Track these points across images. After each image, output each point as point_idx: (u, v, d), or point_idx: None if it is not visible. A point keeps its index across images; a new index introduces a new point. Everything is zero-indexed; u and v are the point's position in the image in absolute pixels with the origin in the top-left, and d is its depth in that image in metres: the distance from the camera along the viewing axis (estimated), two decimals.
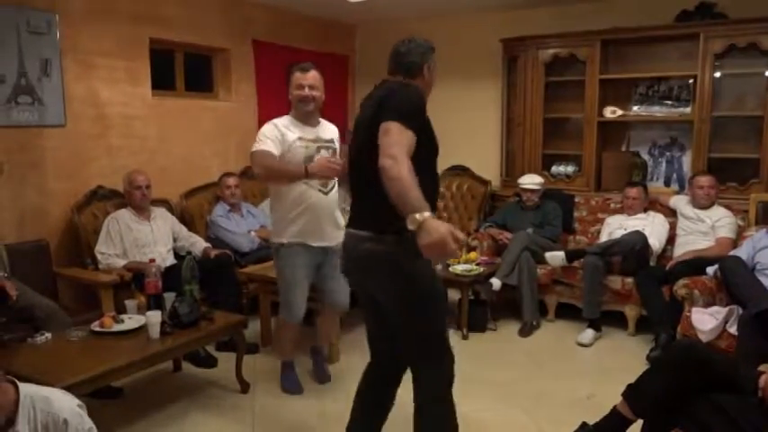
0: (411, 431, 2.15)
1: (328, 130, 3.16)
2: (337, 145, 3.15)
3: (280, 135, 2.94)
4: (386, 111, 1.90)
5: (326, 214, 3.04)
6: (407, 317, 2.07)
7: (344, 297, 3.23)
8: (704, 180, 4.10)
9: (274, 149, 2.89)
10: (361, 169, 2.10)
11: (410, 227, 1.68)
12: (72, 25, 3.82)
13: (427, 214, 1.65)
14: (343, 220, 3.08)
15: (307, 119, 3.04)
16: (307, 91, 2.98)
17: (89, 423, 1.89)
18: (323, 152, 3.00)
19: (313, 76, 3.01)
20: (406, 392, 2.22)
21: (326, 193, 3.02)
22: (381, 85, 2.19)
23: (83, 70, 3.92)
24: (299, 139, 2.97)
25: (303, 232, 3.01)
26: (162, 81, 4.54)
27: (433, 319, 2.11)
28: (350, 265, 2.17)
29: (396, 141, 1.81)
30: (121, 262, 3.70)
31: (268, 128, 2.98)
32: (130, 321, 2.98)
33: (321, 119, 3.17)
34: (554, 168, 5.21)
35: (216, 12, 4.79)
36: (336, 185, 3.06)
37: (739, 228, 4.00)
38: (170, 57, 4.66)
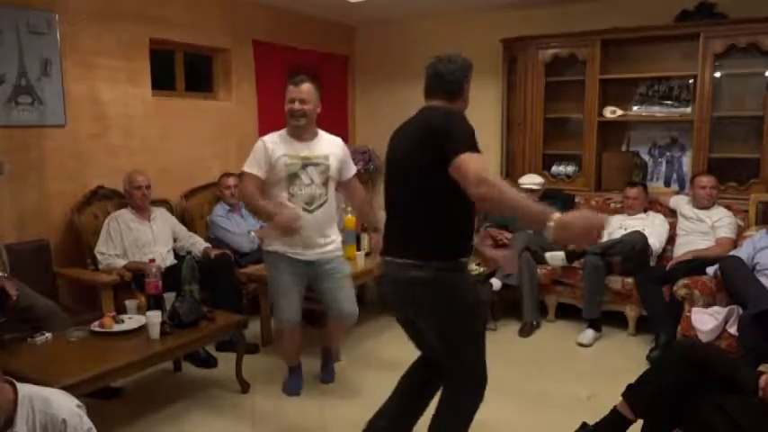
0: None
1: (325, 145, 3.07)
2: (334, 160, 3.05)
3: (266, 153, 2.96)
4: (447, 148, 1.90)
5: (312, 230, 2.99)
6: (449, 343, 2.12)
7: (350, 306, 3.17)
8: (706, 180, 4.10)
9: (259, 171, 2.95)
10: (403, 198, 2.11)
11: (550, 237, 1.80)
12: (72, 25, 3.82)
13: (555, 215, 1.73)
14: (337, 231, 3.22)
15: (298, 133, 3.00)
16: (297, 105, 2.93)
17: (88, 423, 1.89)
18: (310, 169, 2.97)
19: (306, 89, 2.95)
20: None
21: (311, 212, 2.98)
22: (422, 115, 2.15)
23: (83, 70, 3.92)
24: (284, 155, 2.95)
25: (287, 245, 2.99)
26: (162, 81, 4.54)
27: (474, 347, 2.18)
28: (391, 292, 2.19)
29: (473, 167, 1.85)
30: (122, 262, 3.70)
31: (258, 146, 3.01)
32: (130, 321, 2.98)
33: (321, 131, 3.11)
34: (554, 168, 5.20)
35: (216, 12, 4.79)
36: (325, 202, 3.03)
37: (739, 228, 4.00)
38: (170, 57, 4.66)
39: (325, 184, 3.02)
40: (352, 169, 3.22)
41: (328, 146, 3.09)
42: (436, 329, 2.13)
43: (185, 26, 4.54)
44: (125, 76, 4.18)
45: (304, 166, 2.96)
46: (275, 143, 2.98)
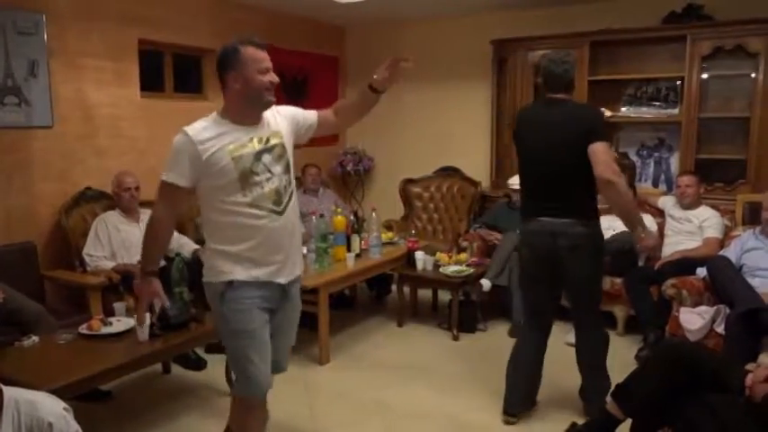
0: None
1: (271, 120, 2.19)
2: (286, 134, 2.21)
3: (193, 151, 2.05)
4: (593, 132, 2.58)
5: (286, 237, 2.17)
6: (593, 285, 2.86)
7: (285, 357, 2.36)
8: (685, 179, 4.14)
9: (181, 179, 2.08)
10: (564, 177, 2.69)
11: (640, 234, 2.62)
12: (59, 26, 3.79)
13: (647, 221, 2.45)
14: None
15: (247, 114, 2.11)
16: (271, 75, 2.08)
17: (75, 426, 1.87)
18: (265, 157, 2.10)
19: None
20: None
21: (282, 212, 2.13)
22: (556, 104, 2.74)
23: (70, 71, 3.89)
24: (225, 148, 2.05)
25: (254, 263, 2.10)
26: (151, 82, 4.51)
27: (601, 285, 3.00)
28: (558, 248, 2.70)
29: (611, 160, 2.57)
30: (110, 264, 3.67)
31: (179, 141, 2.09)
32: (119, 324, 2.96)
33: None
34: None
35: (205, 13, 4.78)
36: (293, 192, 2.21)
37: (726, 228, 4.03)
38: (159, 58, 4.64)
39: (287, 169, 2.17)
40: (309, 112, 2.37)
41: (273, 118, 2.20)
42: (588, 272, 2.77)
43: (174, 27, 4.51)
44: (113, 77, 4.15)
45: (258, 157, 2.08)
46: (208, 134, 2.04)
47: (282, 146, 2.17)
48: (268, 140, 2.13)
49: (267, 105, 2.11)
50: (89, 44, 3.98)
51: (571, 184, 2.68)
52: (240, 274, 2.08)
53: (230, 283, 2.08)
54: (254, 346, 2.10)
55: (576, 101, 2.85)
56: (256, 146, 2.09)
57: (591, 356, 2.90)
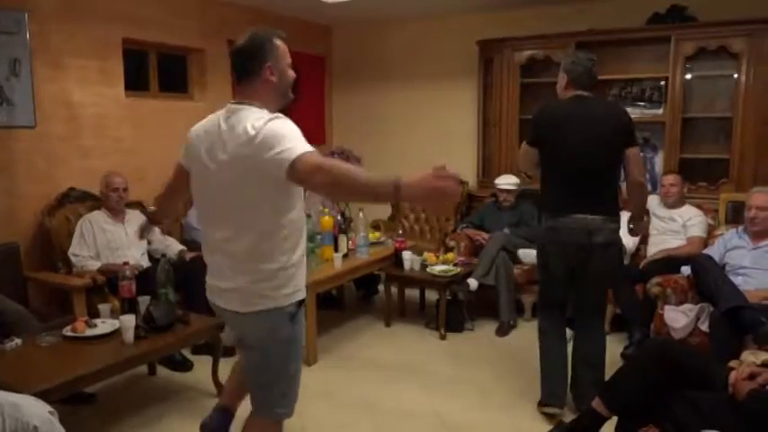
0: None
1: None
2: None
3: None
4: (630, 135, 2.80)
5: None
6: (613, 283, 3.20)
7: None
8: (668, 179, 4.19)
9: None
10: (599, 174, 2.78)
11: (646, 221, 3.12)
12: (42, 24, 3.74)
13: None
14: None
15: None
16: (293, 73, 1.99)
17: (60, 430, 1.86)
18: None
19: None
20: None
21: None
22: (587, 100, 2.83)
23: (53, 70, 3.85)
24: None
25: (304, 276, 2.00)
26: (136, 82, 4.47)
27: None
28: (593, 244, 2.76)
29: (642, 165, 2.91)
30: (96, 264, 3.63)
31: (290, 125, 1.80)
32: (104, 326, 2.92)
33: None
34: None
35: (190, 12, 4.74)
36: None
37: (710, 227, 4.08)
38: (144, 57, 4.60)
39: None
40: None
41: None
42: (609, 267, 2.87)
43: (159, 26, 4.48)
44: (97, 77, 4.11)
45: None
46: None
47: None
48: None
49: (288, 101, 2.01)
50: (72, 43, 3.94)
51: (605, 180, 2.81)
52: (303, 290, 1.95)
53: (301, 302, 1.95)
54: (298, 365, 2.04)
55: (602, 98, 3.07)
56: None
57: (594, 356, 2.95)
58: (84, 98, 4.04)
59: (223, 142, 1.85)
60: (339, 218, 4.40)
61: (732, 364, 2.15)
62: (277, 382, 1.98)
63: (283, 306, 1.88)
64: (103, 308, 3.09)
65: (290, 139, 1.72)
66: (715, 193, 4.41)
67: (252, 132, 1.75)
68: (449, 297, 4.24)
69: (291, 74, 1.97)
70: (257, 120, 1.78)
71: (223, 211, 1.89)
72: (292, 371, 2.00)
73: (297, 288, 1.92)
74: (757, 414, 1.82)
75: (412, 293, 4.77)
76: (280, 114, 1.83)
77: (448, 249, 4.64)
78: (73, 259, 3.65)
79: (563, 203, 2.82)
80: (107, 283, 3.53)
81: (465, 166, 5.58)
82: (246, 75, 1.91)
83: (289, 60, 1.96)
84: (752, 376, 1.95)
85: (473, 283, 4.19)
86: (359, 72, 6.22)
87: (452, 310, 4.22)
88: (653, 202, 4.36)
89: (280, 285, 1.87)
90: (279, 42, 1.93)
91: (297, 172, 1.67)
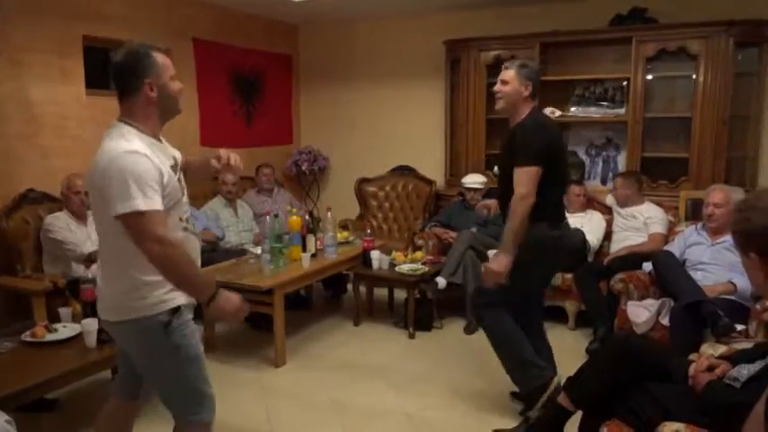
0: None
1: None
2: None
3: (158, 171, 1.82)
4: None
5: (198, 255, 2.06)
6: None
7: None
8: (617, 182, 4.37)
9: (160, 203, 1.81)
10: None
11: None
12: (0, 21, 3.63)
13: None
14: None
15: (158, 128, 1.95)
16: (179, 83, 1.97)
17: None
18: (179, 173, 1.99)
19: None
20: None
21: (194, 231, 2.09)
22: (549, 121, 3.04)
23: (11, 67, 3.74)
24: (166, 166, 1.88)
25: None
26: (97, 80, 4.37)
27: None
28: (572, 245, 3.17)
29: None
30: (90, 247, 3.58)
31: (142, 162, 1.76)
32: (65, 330, 2.86)
33: None
34: (497, 168, 5.29)
35: (154, 9, 4.66)
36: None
37: (670, 223, 4.18)
38: (107, 55, 4.49)
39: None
40: None
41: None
42: None
43: (121, 23, 4.38)
44: (57, 74, 4.01)
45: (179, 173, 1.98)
46: (150, 151, 1.82)
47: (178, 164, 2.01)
48: (173, 156, 1.98)
49: (177, 114, 1.98)
50: (31, 40, 3.83)
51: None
52: (181, 297, 1.90)
53: (176, 310, 1.90)
54: (204, 367, 2.00)
55: None
56: (174, 161, 1.95)
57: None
58: (44, 96, 3.94)
59: (95, 162, 1.82)
60: (307, 218, 4.38)
61: (692, 357, 2.21)
62: (183, 389, 1.98)
63: (148, 315, 1.86)
64: (64, 312, 3.02)
65: (134, 187, 1.72)
66: (675, 191, 4.52)
67: (101, 165, 1.77)
68: (417, 296, 4.26)
69: (176, 85, 1.91)
70: (112, 150, 1.77)
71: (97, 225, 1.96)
72: (190, 381, 1.96)
73: (164, 299, 1.87)
74: (715, 404, 1.87)
75: (380, 293, 4.78)
76: (138, 149, 1.77)
77: (416, 248, 4.66)
78: (72, 247, 3.59)
79: (559, 212, 2.93)
80: (68, 287, 3.45)
81: (433, 164, 5.61)
82: (127, 92, 1.86)
83: (171, 72, 1.89)
84: (710, 368, 2.01)
85: (441, 281, 4.21)
86: (326, 71, 6.20)
87: (421, 309, 4.23)
88: (614, 201, 4.46)
89: (138, 296, 1.86)
90: (158, 56, 1.86)
91: (132, 230, 1.74)
